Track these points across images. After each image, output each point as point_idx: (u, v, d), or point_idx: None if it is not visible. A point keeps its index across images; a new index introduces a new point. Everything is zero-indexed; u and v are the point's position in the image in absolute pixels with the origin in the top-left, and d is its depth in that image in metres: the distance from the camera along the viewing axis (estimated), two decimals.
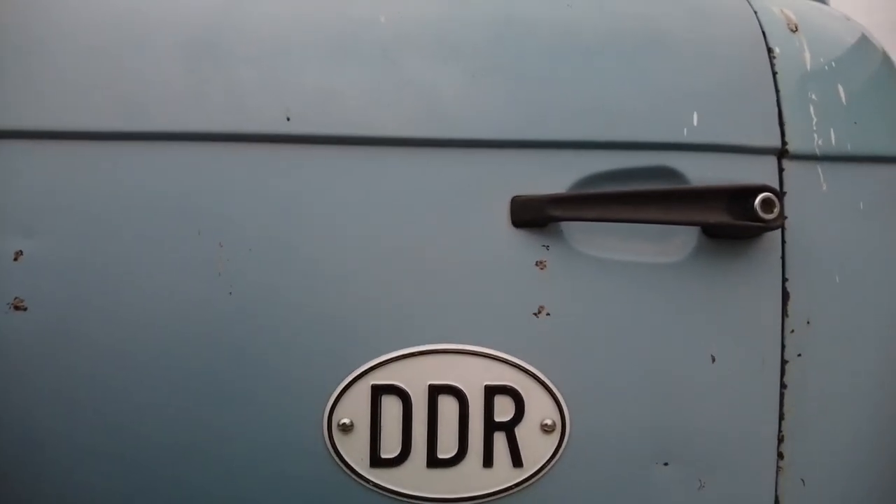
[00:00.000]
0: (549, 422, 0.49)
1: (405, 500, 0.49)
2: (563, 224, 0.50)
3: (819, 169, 0.53)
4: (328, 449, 0.48)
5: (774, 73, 0.54)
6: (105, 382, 0.47)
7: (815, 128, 0.53)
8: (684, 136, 0.51)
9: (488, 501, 0.49)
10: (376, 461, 0.48)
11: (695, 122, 0.51)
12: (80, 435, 0.47)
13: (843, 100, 0.55)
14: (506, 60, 0.51)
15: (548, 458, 0.49)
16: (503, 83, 0.50)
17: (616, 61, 0.52)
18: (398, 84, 0.50)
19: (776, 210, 0.48)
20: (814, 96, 0.54)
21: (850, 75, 0.56)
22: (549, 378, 0.49)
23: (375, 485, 0.48)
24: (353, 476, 0.48)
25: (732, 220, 0.48)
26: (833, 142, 0.53)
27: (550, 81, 0.51)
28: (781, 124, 0.53)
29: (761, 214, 0.47)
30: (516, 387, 0.49)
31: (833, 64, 0.56)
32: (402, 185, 0.49)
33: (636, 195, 0.47)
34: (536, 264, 0.50)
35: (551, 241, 0.50)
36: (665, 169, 0.51)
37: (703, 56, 0.53)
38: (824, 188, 0.53)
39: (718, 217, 0.48)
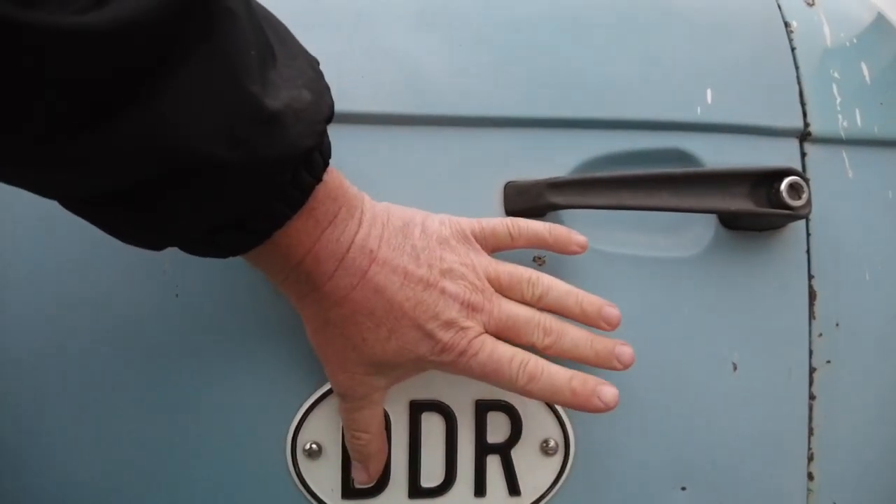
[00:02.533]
0: (550, 442, 0.42)
1: None
2: (564, 213, 0.44)
3: (844, 154, 0.48)
4: (293, 477, 0.41)
5: (793, 49, 0.48)
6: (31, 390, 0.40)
7: (839, 108, 0.48)
8: (697, 115, 0.45)
9: None
10: (349, 491, 0.41)
11: (708, 100, 0.46)
12: None
13: (867, 79, 0.50)
14: (497, 29, 0.45)
15: (549, 484, 0.42)
16: (493, 54, 0.44)
17: (621, 32, 0.46)
18: (374, 54, 0.43)
19: (804, 196, 0.42)
20: (836, 74, 0.49)
21: (872, 54, 0.51)
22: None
23: None
24: None
25: (756, 208, 0.42)
26: (859, 123, 0.48)
27: (548, 53, 0.45)
28: (803, 104, 0.47)
29: (788, 201, 0.42)
30: (512, 402, 0.42)
31: (854, 41, 0.51)
32: (376, 167, 0.42)
33: (647, 179, 0.41)
34: (534, 260, 0.43)
35: None
36: (677, 152, 0.45)
37: (715, 28, 0.47)
38: (850, 175, 0.48)
39: (740, 204, 0.42)
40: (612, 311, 0.40)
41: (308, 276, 0.35)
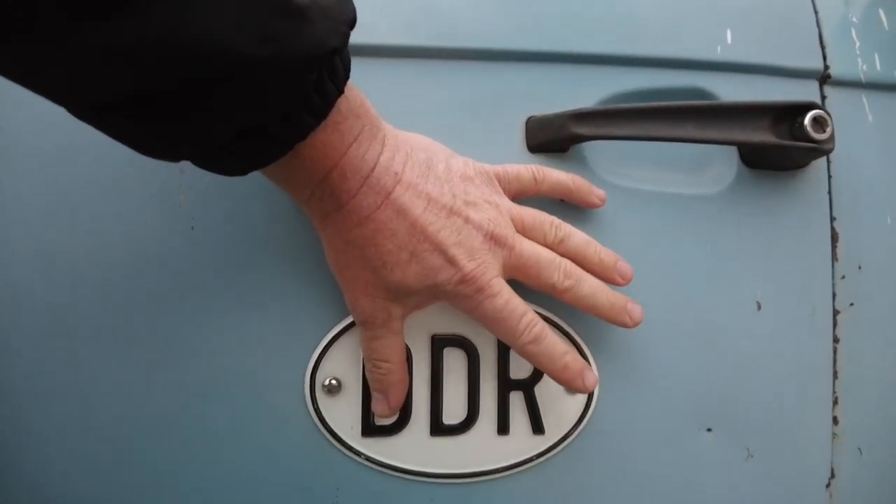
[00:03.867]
0: None
1: (404, 475, 0.40)
2: (587, 150, 0.43)
3: (864, 97, 0.48)
4: (311, 415, 0.40)
5: None
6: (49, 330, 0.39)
7: (858, 52, 0.48)
8: (718, 54, 0.45)
9: (503, 476, 0.41)
10: (369, 429, 0.40)
11: (728, 40, 0.45)
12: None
13: (885, 25, 0.50)
14: None
15: (573, 423, 0.42)
16: None
17: None
18: None
19: (829, 129, 0.41)
20: (854, 18, 0.49)
21: (889, 1, 0.51)
22: (572, 328, 0.42)
23: (368, 457, 0.40)
24: (342, 447, 0.40)
25: (779, 140, 0.41)
26: (878, 67, 0.48)
27: None
28: (822, 46, 0.47)
29: (812, 134, 0.41)
30: None
31: None
32: (397, 102, 0.42)
33: (671, 110, 0.41)
34: None
35: (573, 167, 0.43)
36: (697, 90, 0.45)
37: None
38: (870, 119, 0.48)
39: (763, 136, 0.41)
40: (627, 265, 0.41)
41: (332, 193, 0.34)
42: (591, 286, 0.39)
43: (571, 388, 0.38)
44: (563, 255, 0.40)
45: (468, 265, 0.36)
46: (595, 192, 0.42)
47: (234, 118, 0.29)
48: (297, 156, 0.32)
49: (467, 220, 0.37)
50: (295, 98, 0.30)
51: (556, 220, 0.40)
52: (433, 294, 0.37)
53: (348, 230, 0.35)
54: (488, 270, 0.37)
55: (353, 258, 0.36)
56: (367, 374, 0.39)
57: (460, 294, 0.37)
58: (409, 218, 0.35)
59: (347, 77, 0.33)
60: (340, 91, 0.32)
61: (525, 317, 0.37)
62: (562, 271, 0.39)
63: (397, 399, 0.39)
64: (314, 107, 0.31)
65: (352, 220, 0.35)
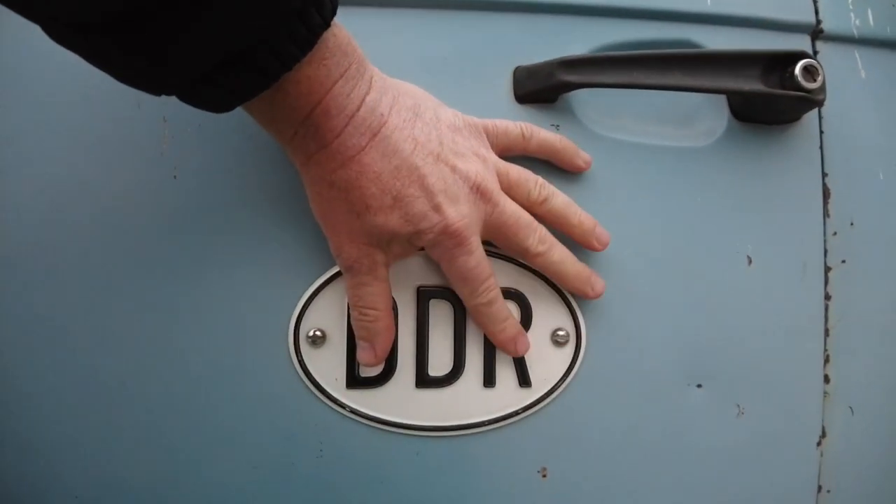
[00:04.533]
0: (561, 332, 0.41)
1: (389, 427, 0.40)
2: (574, 101, 0.43)
3: (857, 53, 0.47)
4: (295, 367, 0.40)
5: None
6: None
7: (850, 7, 0.47)
8: (708, 6, 0.44)
9: (489, 429, 0.41)
10: (354, 381, 0.40)
11: None
12: None
13: None
14: None
15: (560, 376, 0.41)
16: None
17: None
18: None
19: (819, 79, 0.41)
20: None
21: None
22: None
23: (352, 409, 0.40)
24: (326, 399, 0.40)
25: (769, 89, 0.41)
26: (871, 23, 0.47)
27: None
28: (815, 0, 0.47)
29: (803, 83, 0.41)
30: (521, 290, 0.41)
31: None
32: (384, 51, 0.41)
33: (660, 58, 0.40)
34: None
35: (561, 119, 0.43)
36: (687, 42, 0.44)
37: None
38: (863, 75, 0.47)
39: (752, 85, 0.41)
40: (604, 232, 0.41)
41: (316, 132, 0.33)
42: (560, 254, 0.40)
43: (505, 350, 0.40)
44: (543, 215, 0.40)
45: (453, 215, 0.36)
46: (581, 155, 0.42)
47: (217, 40, 0.28)
48: (282, 91, 0.32)
49: (454, 169, 0.36)
50: (278, 23, 0.29)
51: (540, 180, 0.40)
52: (412, 242, 0.37)
53: (332, 171, 0.35)
54: (471, 225, 0.36)
55: (337, 202, 0.35)
56: (352, 322, 0.39)
57: (439, 244, 0.36)
58: (394, 160, 0.34)
59: (334, 12, 0.32)
60: (327, 24, 0.31)
61: (488, 280, 0.38)
62: (538, 235, 0.39)
63: (383, 348, 0.38)
64: (299, 37, 0.30)
65: (335, 161, 0.34)
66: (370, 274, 0.37)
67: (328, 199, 0.36)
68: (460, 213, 0.36)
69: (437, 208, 0.35)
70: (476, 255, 0.37)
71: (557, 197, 0.40)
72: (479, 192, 0.37)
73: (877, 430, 0.46)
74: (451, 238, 0.36)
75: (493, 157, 0.39)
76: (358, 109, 0.34)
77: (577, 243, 0.41)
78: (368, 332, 0.38)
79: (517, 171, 0.39)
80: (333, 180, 0.35)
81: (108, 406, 0.39)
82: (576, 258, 0.40)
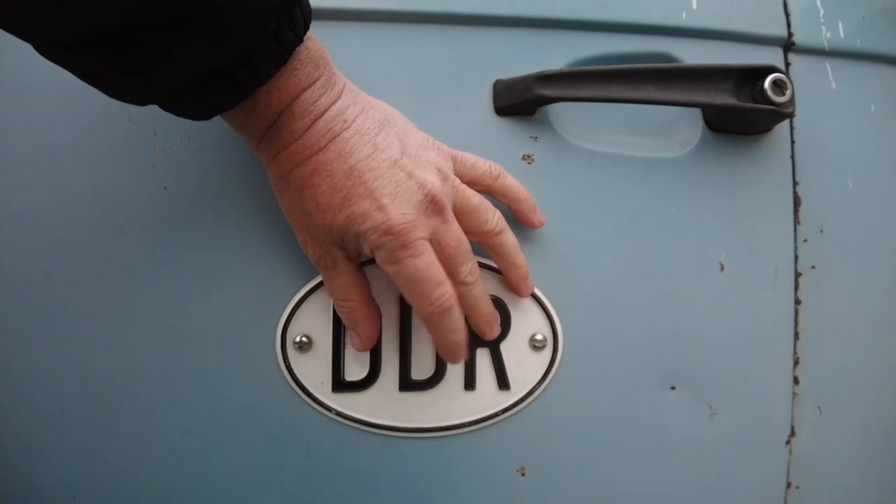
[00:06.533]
0: (538, 337, 0.43)
1: (374, 429, 0.42)
2: (553, 113, 0.44)
3: (828, 65, 0.49)
4: (283, 371, 0.41)
5: None
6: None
7: (822, 20, 0.49)
8: (683, 20, 0.46)
9: (470, 430, 0.42)
10: (339, 384, 0.41)
11: (694, 6, 0.46)
12: None
13: None
14: None
15: (538, 379, 0.43)
16: None
17: None
18: None
19: (788, 92, 0.42)
20: None
21: None
22: (538, 287, 0.43)
23: (338, 412, 0.41)
24: (312, 402, 0.41)
25: (740, 102, 0.42)
26: (842, 36, 0.49)
27: None
28: (787, 14, 0.48)
29: (772, 97, 0.42)
30: (500, 296, 0.42)
31: None
32: (363, 65, 0.42)
33: (634, 72, 0.41)
34: (523, 158, 0.44)
35: (539, 131, 0.44)
36: (663, 55, 0.46)
37: None
38: (834, 86, 0.49)
39: (724, 99, 0.42)
40: (533, 283, 0.42)
41: (279, 134, 0.35)
42: (481, 291, 0.40)
43: (447, 359, 0.39)
44: (494, 246, 0.40)
45: (396, 216, 0.35)
46: (538, 214, 0.42)
47: (197, 61, 0.30)
48: (252, 100, 0.34)
49: (411, 175, 0.36)
50: (255, 44, 0.31)
51: (499, 212, 0.40)
52: (357, 244, 0.37)
53: (289, 170, 0.36)
54: (418, 228, 0.35)
55: (295, 200, 0.37)
56: (336, 311, 0.41)
57: (384, 246, 0.35)
58: (349, 160, 0.35)
59: (307, 27, 0.33)
60: (300, 39, 0.33)
61: (441, 286, 0.36)
62: (470, 266, 0.38)
63: (367, 335, 0.40)
64: (274, 53, 0.32)
65: (294, 160, 0.35)
66: (335, 269, 0.38)
67: (288, 197, 0.37)
68: (406, 217, 0.35)
69: (381, 209, 0.35)
70: (424, 259, 0.35)
71: (510, 234, 0.41)
72: (432, 202, 0.36)
73: (844, 429, 0.47)
74: (394, 239, 0.35)
75: (457, 181, 0.39)
76: (322, 114, 0.35)
77: (508, 283, 0.42)
78: (349, 321, 0.40)
79: (480, 198, 0.40)
80: (290, 179, 0.36)
81: (102, 409, 0.40)
82: (490, 300, 0.41)
